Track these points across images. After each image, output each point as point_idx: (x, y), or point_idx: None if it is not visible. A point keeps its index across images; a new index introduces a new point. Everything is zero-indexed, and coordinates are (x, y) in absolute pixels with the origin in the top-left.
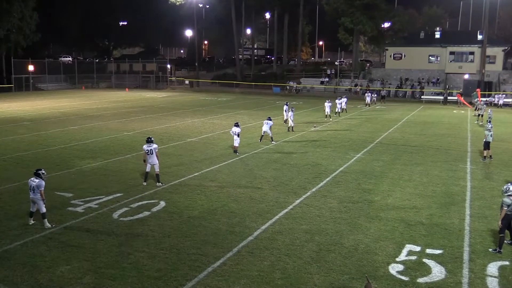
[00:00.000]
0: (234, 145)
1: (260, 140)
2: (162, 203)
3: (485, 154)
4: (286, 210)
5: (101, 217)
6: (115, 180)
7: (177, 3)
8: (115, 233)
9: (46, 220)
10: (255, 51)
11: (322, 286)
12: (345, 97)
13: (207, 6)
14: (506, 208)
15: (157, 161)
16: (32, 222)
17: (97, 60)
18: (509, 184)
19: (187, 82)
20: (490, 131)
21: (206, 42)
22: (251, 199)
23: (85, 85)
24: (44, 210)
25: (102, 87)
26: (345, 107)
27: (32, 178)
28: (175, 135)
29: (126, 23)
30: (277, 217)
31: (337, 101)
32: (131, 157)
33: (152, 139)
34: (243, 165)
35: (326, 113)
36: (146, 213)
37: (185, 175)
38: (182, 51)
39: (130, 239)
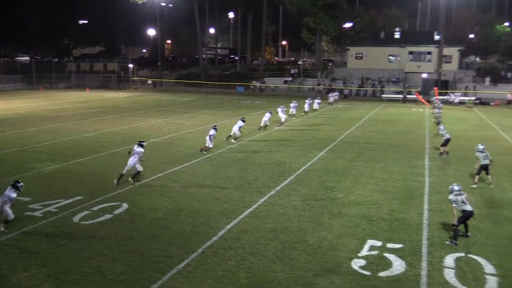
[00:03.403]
0: (206, 145)
1: (227, 139)
2: (125, 205)
3: (441, 150)
4: (250, 209)
5: (61, 221)
6: (75, 183)
7: (139, 2)
8: (76, 238)
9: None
10: (219, 50)
11: (287, 283)
12: (319, 98)
13: (170, 5)
14: (454, 204)
15: (130, 163)
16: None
17: (56, 60)
18: (453, 184)
19: (150, 82)
20: (444, 130)
21: (169, 41)
22: (216, 199)
23: (43, 85)
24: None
25: (62, 88)
26: (317, 107)
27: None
28: (138, 135)
29: (86, 21)
30: (241, 216)
31: (316, 100)
32: (92, 158)
33: (141, 142)
34: (207, 165)
35: (291, 112)
36: (108, 216)
37: (148, 176)
38: (144, 51)
39: (92, 243)
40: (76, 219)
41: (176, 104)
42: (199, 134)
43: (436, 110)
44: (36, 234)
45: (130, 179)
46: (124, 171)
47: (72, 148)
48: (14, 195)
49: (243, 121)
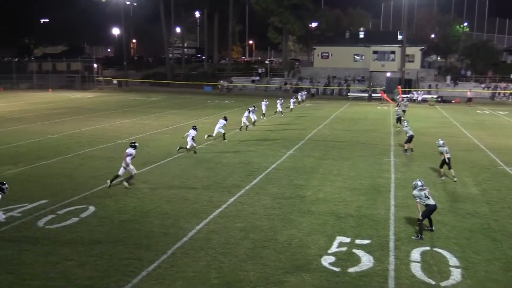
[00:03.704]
0: (187, 147)
1: (208, 135)
2: (92, 208)
3: (406, 147)
4: (220, 209)
5: (25, 226)
6: (39, 186)
7: (103, 0)
8: (41, 242)
9: None
10: (185, 50)
11: (258, 282)
12: (294, 98)
13: (135, 4)
14: (418, 199)
15: (124, 164)
16: None
17: (16, 59)
18: (417, 180)
19: (115, 82)
20: (408, 127)
21: (134, 40)
22: (185, 200)
23: (3, 86)
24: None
25: (23, 88)
26: (293, 107)
27: None
28: (104, 137)
29: (48, 20)
30: (211, 216)
31: (293, 99)
32: (56, 161)
33: (133, 144)
34: (175, 165)
35: (262, 111)
36: (75, 219)
37: None
38: (109, 50)
39: (58, 248)
40: (41, 223)
41: (143, 104)
42: (167, 135)
43: (399, 109)
44: None
45: (124, 182)
46: (119, 172)
47: (35, 151)
48: None
49: (226, 119)
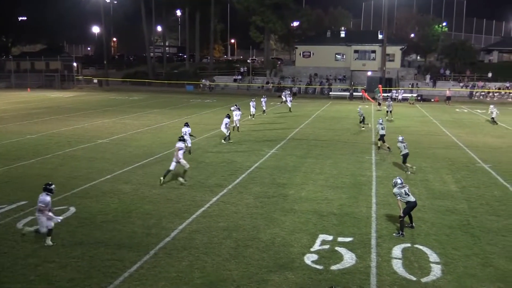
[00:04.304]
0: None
1: (226, 139)
2: (72, 209)
3: (379, 145)
4: (203, 209)
5: (4, 228)
6: (18, 187)
7: None
8: (20, 245)
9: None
10: (167, 48)
11: (241, 281)
12: (290, 96)
13: (115, 2)
14: (399, 197)
15: (175, 159)
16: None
17: None
18: (397, 178)
19: (95, 81)
20: (381, 125)
21: (114, 39)
22: (167, 200)
23: None
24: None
25: (0, 88)
26: (290, 106)
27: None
28: (84, 136)
29: (25, 18)
30: (194, 216)
31: (288, 98)
32: (36, 161)
33: (181, 137)
34: (157, 165)
35: (251, 112)
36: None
37: (96, 178)
38: (89, 49)
39: (38, 250)
40: (20, 225)
41: (124, 104)
42: (148, 134)
43: (380, 107)
44: None
45: (180, 178)
46: (171, 167)
47: (14, 151)
48: (48, 198)
49: (229, 117)
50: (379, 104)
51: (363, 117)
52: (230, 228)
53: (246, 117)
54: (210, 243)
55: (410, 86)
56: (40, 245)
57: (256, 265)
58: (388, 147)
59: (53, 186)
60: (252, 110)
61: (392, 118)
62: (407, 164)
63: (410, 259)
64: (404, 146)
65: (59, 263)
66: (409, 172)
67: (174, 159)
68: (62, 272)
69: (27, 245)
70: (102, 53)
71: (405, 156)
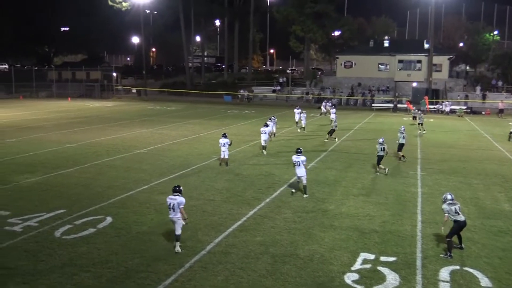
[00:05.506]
0: (222, 157)
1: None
2: (109, 219)
3: (400, 156)
4: (239, 222)
5: (42, 236)
6: (56, 196)
7: (123, 9)
8: (58, 253)
9: (178, 243)
10: (205, 58)
11: None
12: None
13: (155, 12)
14: (447, 214)
15: (305, 173)
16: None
17: (36, 68)
18: (447, 193)
19: (134, 91)
20: (402, 133)
21: (154, 49)
22: (203, 212)
23: (23, 94)
24: (179, 232)
25: (42, 97)
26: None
27: (170, 196)
28: (122, 146)
29: (67, 28)
30: (230, 229)
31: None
32: (74, 170)
33: (300, 149)
34: (194, 177)
35: (296, 120)
36: (92, 229)
37: (133, 188)
38: (128, 59)
39: (74, 259)
40: (57, 233)
41: (162, 114)
42: (185, 145)
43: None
44: (15, 249)
45: (304, 195)
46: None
47: (53, 160)
48: (183, 199)
49: (267, 126)
50: (414, 118)
51: (333, 129)
52: (267, 243)
53: (287, 128)
54: (246, 258)
55: (458, 97)
56: (77, 254)
57: (293, 283)
58: (403, 156)
59: (181, 188)
60: (297, 117)
61: (424, 132)
62: (381, 166)
63: (459, 282)
64: (381, 148)
65: (94, 272)
66: (378, 173)
67: (299, 174)
68: (97, 282)
69: (64, 254)
70: (141, 63)
71: (380, 158)
